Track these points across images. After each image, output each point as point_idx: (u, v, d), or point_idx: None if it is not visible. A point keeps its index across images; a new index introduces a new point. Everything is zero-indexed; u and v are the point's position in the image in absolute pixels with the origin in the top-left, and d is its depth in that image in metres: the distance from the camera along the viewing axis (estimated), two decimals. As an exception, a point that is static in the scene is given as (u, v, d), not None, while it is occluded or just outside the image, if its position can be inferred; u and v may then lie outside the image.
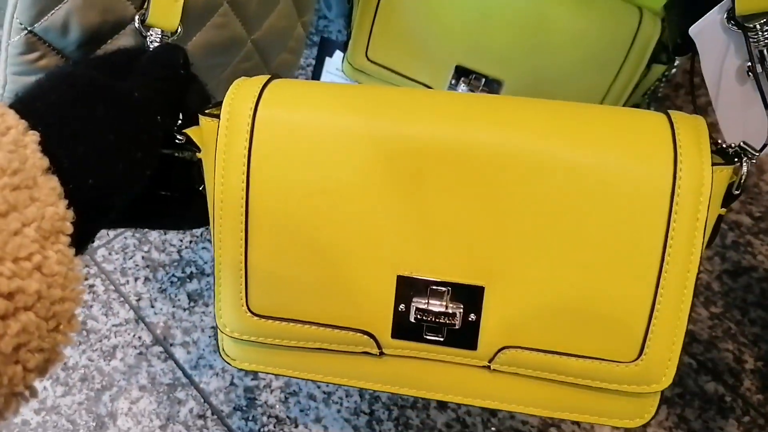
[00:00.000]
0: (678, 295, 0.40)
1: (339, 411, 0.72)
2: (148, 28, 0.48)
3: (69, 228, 0.32)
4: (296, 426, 0.71)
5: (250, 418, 0.71)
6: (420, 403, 0.72)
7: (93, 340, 0.76)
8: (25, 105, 0.36)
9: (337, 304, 0.43)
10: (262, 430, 0.70)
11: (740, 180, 0.41)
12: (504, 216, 0.41)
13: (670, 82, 0.73)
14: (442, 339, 0.43)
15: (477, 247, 0.41)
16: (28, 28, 0.44)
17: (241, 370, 0.50)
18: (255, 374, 0.73)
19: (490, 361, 0.43)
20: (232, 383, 0.73)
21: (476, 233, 0.41)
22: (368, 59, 0.75)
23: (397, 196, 0.41)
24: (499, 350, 0.43)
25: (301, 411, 0.72)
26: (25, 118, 0.33)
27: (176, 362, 0.75)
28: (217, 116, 0.43)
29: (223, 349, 0.48)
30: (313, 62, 0.85)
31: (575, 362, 0.42)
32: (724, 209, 0.43)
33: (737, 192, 0.42)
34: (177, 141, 0.43)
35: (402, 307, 0.43)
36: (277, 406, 0.72)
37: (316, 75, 0.84)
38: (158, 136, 0.42)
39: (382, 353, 0.44)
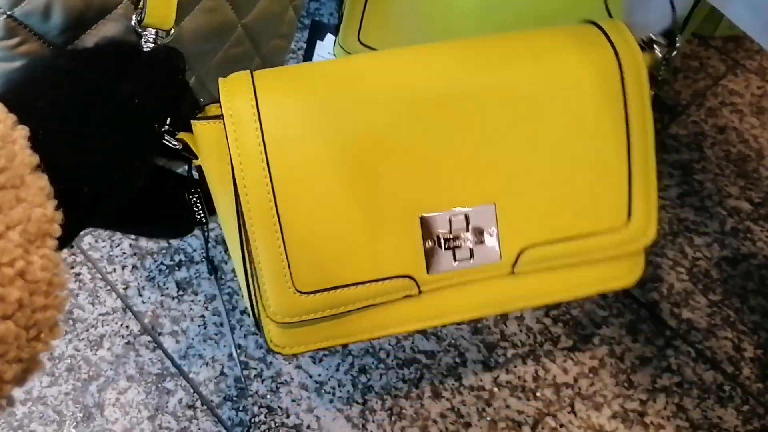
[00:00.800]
0: (645, 157, 0.49)
1: (331, 401, 0.72)
2: (144, 28, 0.47)
3: (57, 230, 0.31)
4: (287, 416, 0.71)
5: (241, 409, 0.71)
6: (414, 392, 0.72)
7: (79, 329, 0.76)
8: (16, 97, 0.35)
9: (374, 259, 0.48)
10: (252, 420, 0.70)
11: (659, 64, 0.52)
12: (495, 141, 0.47)
13: (669, 67, 0.72)
14: (471, 260, 0.49)
15: (479, 173, 0.48)
16: (8, 13, 0.43)
17: (275, 352, 0.51)
18: (245, 364, 0.73)
19: (513, 267, 0.50)
20: (222, 373, 0.73)
21: (476, 162, 0.47)
22: (360, 42, 0.74)
23: (405, 146, 0.46)
24: (519, 254, 0.49)
25: (293, 401, 0.71)
26: (16, 111, 0.32)
27: (165, 352, 0.75)
28: (214, 118, 0.44)
29: (271, 341, 0.50)
30: (305, 45, 0.84)
31: (581, 242, 0.50)
32: (653, 90, 0.51)
33: (660, 78, 0.53)
34: (171, 147, 0.44)
35: (429, 243, 0.48)
36: (268, 396, 0.72)
37: (307, 58, 0.83)
38: (154, 144, 0.41)
39: (420, 292, 0.49)
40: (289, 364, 0.74)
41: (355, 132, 0.45)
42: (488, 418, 0.71)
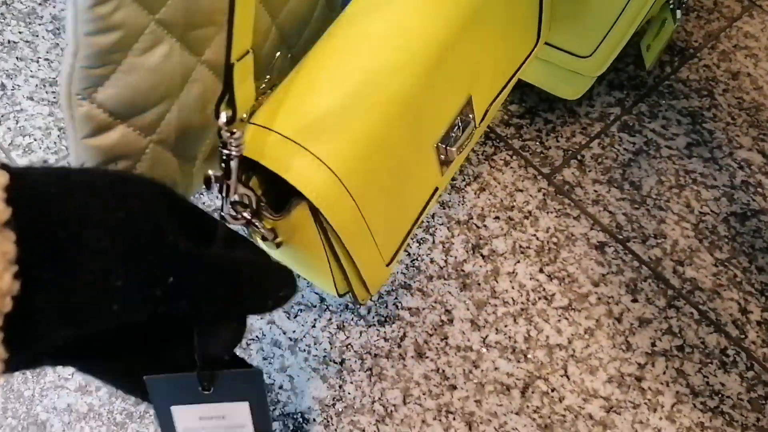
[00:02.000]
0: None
1: (306, 359, 0.69)
2: (233, 129, 0.41)
3: (7, 305, 0.26)
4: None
5: (208, 366, 0.69)
6: (396, 352, 0.69)
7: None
8: (44, 169, 0.31)
9: (417, 198, 0.60)
10: (221, 379, 0.68)
11: None
12: (465, 52, 0.58)
13: None
14: (462, 140, 0.61)
15: (461, 80, 0.59)
16: None
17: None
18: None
19: (480, 122, 0.64)
20: (188, 327, 0.70)
21: (457, 75, 0.58)
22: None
23: (414, 98, 0.54)
24: (483, 115, 0.64)
25: (264, 359, 0.69)
26: (27, 182, 0.28)
27: (126, 303, 0.72)
28: (296, 205, 0.49)
29: (364, 300, 0.61)
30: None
31: (516, 76, 0.68)
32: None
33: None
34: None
35: (443, 156, 0.60)
36: (238, 353, 0.69)
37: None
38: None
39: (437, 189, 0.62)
40: (261, 318, 0.71)
41: (387, 111, 0.52)
42: (475, 381, 0.68)
